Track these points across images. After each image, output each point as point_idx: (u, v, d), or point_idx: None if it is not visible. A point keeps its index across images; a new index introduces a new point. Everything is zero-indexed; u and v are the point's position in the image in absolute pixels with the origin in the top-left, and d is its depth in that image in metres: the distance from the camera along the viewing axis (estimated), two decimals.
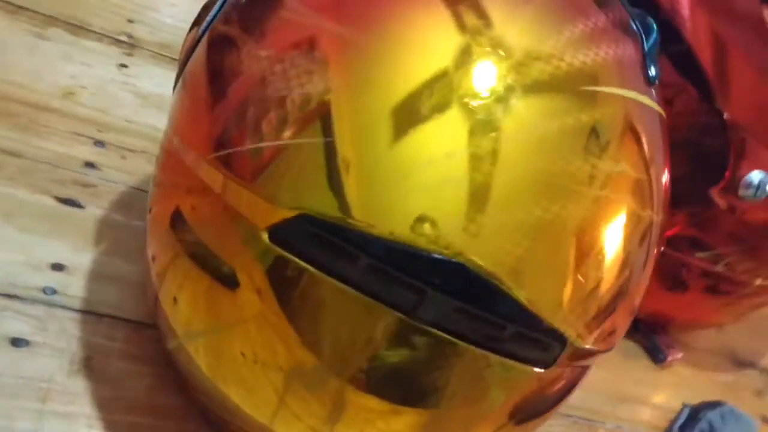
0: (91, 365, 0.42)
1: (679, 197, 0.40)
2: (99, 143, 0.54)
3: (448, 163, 0.30)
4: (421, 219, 0.30)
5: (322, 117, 0.32)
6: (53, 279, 0.45)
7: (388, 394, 0.35)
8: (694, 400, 0.63)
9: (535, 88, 0.32)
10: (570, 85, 0.33)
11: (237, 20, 0.37)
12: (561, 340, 0.33)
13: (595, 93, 0.33)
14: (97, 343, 0.44)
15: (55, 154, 0.51)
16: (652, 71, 0.37)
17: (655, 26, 0.38)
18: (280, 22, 0.35)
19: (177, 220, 0.38)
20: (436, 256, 0.30)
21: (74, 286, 0.45)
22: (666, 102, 0.39)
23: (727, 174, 0.53)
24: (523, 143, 0.31)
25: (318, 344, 0.34)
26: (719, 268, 0.56)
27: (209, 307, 0.37)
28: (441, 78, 0.31)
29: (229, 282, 0.35)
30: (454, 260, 0.30)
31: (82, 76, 0.57)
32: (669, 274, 0.58)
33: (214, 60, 0.37)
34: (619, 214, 0.34)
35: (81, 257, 0.47)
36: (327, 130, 0.32)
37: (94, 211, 0.50)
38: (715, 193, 0.54)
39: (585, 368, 0.39)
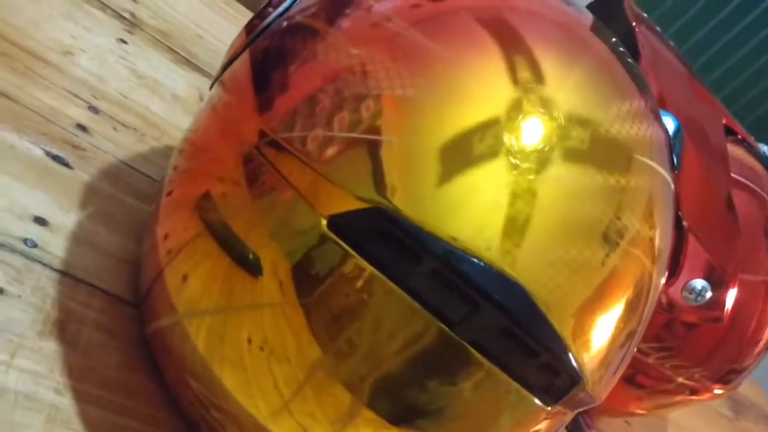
0: (64, 329, 0.40)
1: None
2: (93, 109, 0.51)
3: (490, 196, 0.32)
4: (466, 240, 0.32)
5: (397, 117, 0.33)
6: (35, 232, 0.42)
7: (401, 410, 0.35)
8: None
9: (577, 149, 0.34)
10: (610, 151, 0.35)
11: (324, 16, 0.37)
12: (575, 378, 0.35)
13: (631, 160, 0.36)
14: (72, 308, 0.41)
15: (49, 108, 0.49)
16: (674, 160, 0.41)
17: (676, 122, 0.43)
18: (368, 24, 0.36)
19: (204, 203, 0.37)
20: (498, 269, 0.31)
21: (55, 245, 0.43)
22: None
23: (676, 274, 0.57)
24: (562, 191, 0.33)
25: (335, 344, 0.34)
26: (651, 360, 0.60)
27: (225, 287, 0.36)
28: (492, 126, 0.33)
29: (253, 268, 0.35)
30: (513, 278, 0.32)
31: (81, 39, 0.55)
32: None
33: (295, 46, 0.37)
34: (641, 274, 0.36)
35: (65, 217, 0.44)
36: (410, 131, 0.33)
37: (82, 174, 0.47)
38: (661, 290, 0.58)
39: (565, 421, 0.40)
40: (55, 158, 0.47)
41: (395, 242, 0.32)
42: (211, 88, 0.42)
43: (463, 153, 0.32)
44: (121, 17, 0.60)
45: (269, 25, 0.40)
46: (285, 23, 0.39)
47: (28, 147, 0.46)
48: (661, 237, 0.37)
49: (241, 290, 0.36)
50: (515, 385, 0.34)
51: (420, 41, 0.34)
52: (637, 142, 0.36)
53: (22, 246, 0.41)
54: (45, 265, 0.41)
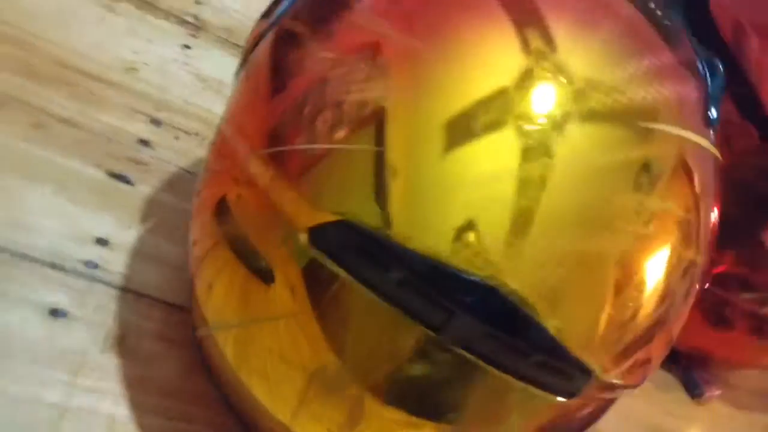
0: (124, 343, 0.43)
1: (729, 236, 0.39)
2: (155, 121, 0.54)
3: (496, 183, 0.30)
4: (460, 235, 0.30)
5: (375, 125, 0.32)
6: (96, 253, 0.46)
7: (406, 406, 0.35)
8: None
9: (591, 118, 0.31)
10: (627, 119, 0.32)
11: (306, 18, 0.36)
12: (586, 372, 0.33)
13: (651, 129, 0.33)
14: (132, 322, 0.44)
15: (111, 128, 0.52)
16: (713, 113, 0.36)
17: (721, 68, 0.37)
18: (347, 25, 0.35)
19: (221, 208, 0.38)
20: (470, 277, 0.30)
21: (116, 263, 0.46)
22: (725, 142, 0.38)
23: None
24: (572, 173, 0.31)
25: (343, 349, 0.34)
26: (766, 310, 0.55)
27: (243, 298, 0.37)
28: (499, 96, 0.31)
29: (265, 276, 0.35)
30: (487, 283, 0.30)
31: (144, 52, 0.58)
32: (713, 311, 0.57)
33: (278, 54, 0.37)
34: (660, 251, 0.33)
35: (125, 234, 0.47)
36: (379, 138, 0.31)
37: (144, 188, 0.50)
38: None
39: (611, 399, 0.38)
40: (117, 177, 0.50)
41: (365, 253, 0.31)
42: (236, 75, 0.42)
43: (462, 130, 0.31)
44: (185, 22, 0.62)
45: (283, 13, 0.39)
46: (275, 26, 0.38)
47: (91, 171, 0.49)
48: (688, 205, 0.33)
49: (257, 301, 0.36)
50: (517, 383, 0.33)
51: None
52: (659, 106, 0.33)
53: (84, 269, 0.45)
54: (106, 284, 0.45)
